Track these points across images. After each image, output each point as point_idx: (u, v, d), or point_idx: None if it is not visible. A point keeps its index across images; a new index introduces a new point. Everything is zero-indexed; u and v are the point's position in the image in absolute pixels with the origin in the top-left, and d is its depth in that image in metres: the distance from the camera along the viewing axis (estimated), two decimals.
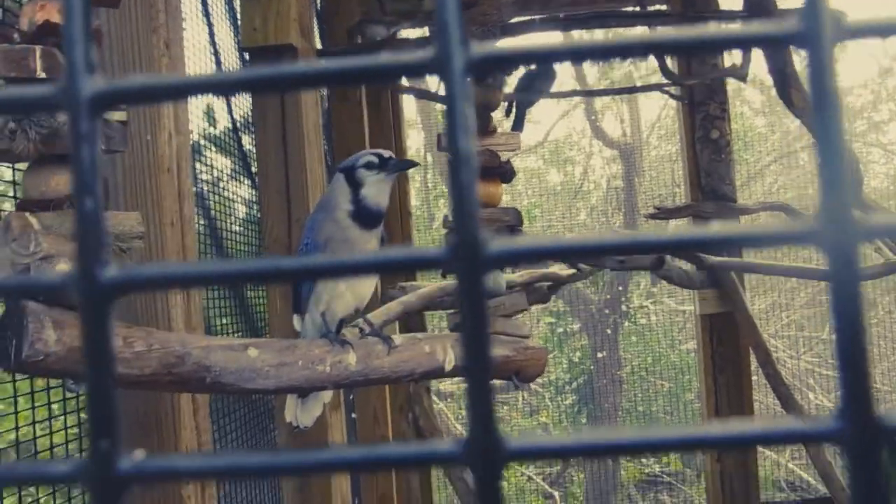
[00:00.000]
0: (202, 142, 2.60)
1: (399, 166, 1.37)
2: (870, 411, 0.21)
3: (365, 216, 1.34)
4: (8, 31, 0.87)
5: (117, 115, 0.95)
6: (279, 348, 1.15)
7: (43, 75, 0.83)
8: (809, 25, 0.23)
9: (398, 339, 1.32)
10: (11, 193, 1.38)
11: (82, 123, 0.24)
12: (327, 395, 1.48)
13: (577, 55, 0.24)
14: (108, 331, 0.24)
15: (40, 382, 1.40)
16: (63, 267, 0.85)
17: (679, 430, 0.24)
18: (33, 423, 1.31)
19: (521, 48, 0.25)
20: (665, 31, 0.25)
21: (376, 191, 1.35)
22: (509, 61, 0.26)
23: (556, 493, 5.92)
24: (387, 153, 1.39)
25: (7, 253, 0.84)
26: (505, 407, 6.58)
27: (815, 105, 0.23)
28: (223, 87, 0.25)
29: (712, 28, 0.26)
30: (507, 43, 1.80)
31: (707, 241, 0.24)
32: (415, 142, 6.99)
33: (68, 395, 1.43)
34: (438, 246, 0.24)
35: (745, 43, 0.24)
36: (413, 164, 1.42)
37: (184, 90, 0.25)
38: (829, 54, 0.23)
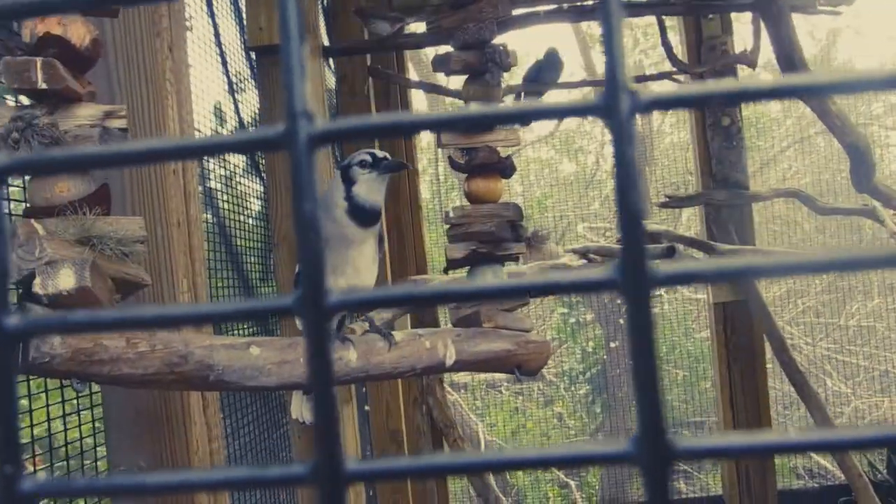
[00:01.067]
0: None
1: (390, 167, 1.38)
2: (662, 435, 0.23)
3: (359, 214, 1.36)
4: (10, 43, 0.90)
5: (117, 123, 0.97)
6: (281, 346, 1.17)
7: (44, 86, 0.85)
8: (609, 99, 0.24)
9: (398, 335, 1.34)
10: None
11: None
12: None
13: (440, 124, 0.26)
14: (12, 374, 0.26)
15: (44, 382, 1.44)
16: (66, 271, 0.87)
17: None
18: (48, 419, 1.35)
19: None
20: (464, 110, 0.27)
21: (367, 189, 1.36)
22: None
23: (571, 483, 5.94)
24: (381, 153, 1.40)
25: (13, 258, 0.87)
26: (520, 397, 6.60)
27: (617, 168, 0.25)
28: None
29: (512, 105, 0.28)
30: (507, 37, 1.80)
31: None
32: (426, 135, 6.99)
33: (82, 393, 1.47)
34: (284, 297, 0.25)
35: (553, 115, 0.26)
36: (404, 165, 1.43)
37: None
38: (629, 126, 0.24)
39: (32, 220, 0.90)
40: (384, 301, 0.26)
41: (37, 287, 0.86)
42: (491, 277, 1.52)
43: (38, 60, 0.86)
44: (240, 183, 2.74)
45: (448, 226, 1.58)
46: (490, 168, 1.54)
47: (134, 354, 0.95)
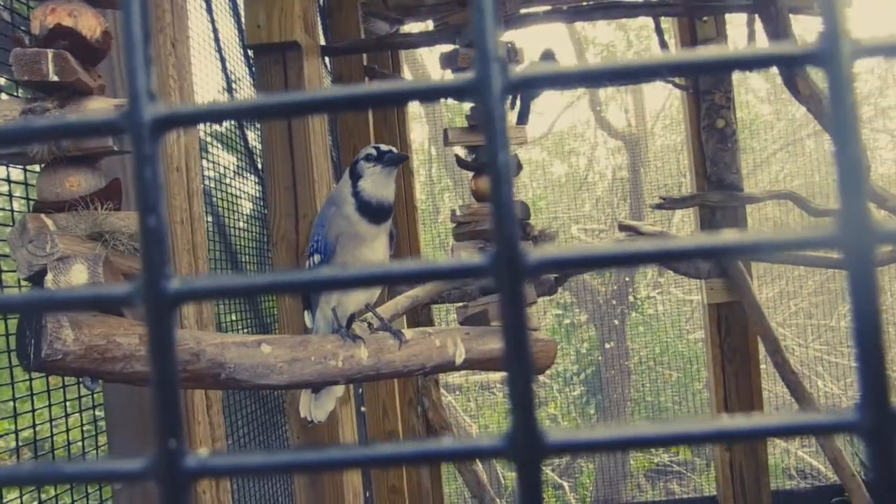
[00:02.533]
0: (207, 139, 2.61)
1: (393, 159, 1.37)
2: (887, 403, 0.22)
3: (367, 209, 1.35)
4: (19, 35, 0.88)
5: None
6: (292, 344, 1.16)
7: (55, 78, 0.84)
8: (828, 46, 0.23)
9: (409, 333, 1.33)
10: (4, 191, 1.39)
11: (145, 146, 0.25)
12: (340, 391, 1.49)
13: (606, 76, 0.25)
14: (172, 338, 0.25)
15: (47, 381, 1.42)
16: (79, 267, 0.86)
17: (699, 423, 0.24)
18: (50, 420, 1.33)
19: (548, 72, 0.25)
20: (681, 54, 0.26)
21: (372, 183, 1.35)
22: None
23: (565, 484, 5.94)
24: (386, 147, 1.39)
25: (24, 254, 0.85)
26: None
27: (834, 117, 0.24)
28: (282, 109, 0.26)
29: (734, 50, 0.27)
30: (512, 35, 1.79)
31: (734, 247, 0.25)
32: (419, 135, 6.98)
33: (83, 392, 1.44)
34: (479, 257, 0.24)
35: (765, 63, 0.25)
36: (403, 156, 1.42)
37: (235, 112, 0.26)
38: (848, 72, 0.23)
39: (43, 215, 0.88)
40: (586, 261, 0.24)
41: (49, 283, 0.84)
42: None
43: (50, 52, 0.84)
44: (230, 185, 2.72)
45: (454, 224, 1.57)
46: None
47: (146, 352, 0.93)
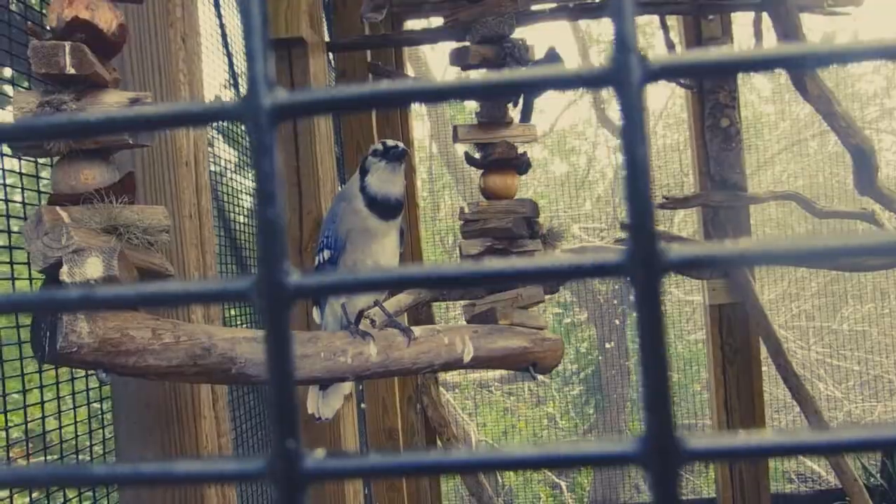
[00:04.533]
0: (212, 133, 2.60)
1: (396, 155, 1.37)
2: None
3: (376, 205, 1.34)
4: (35, 27, 0.87)
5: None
6: (302, 340, 1.16)
7: (72, 71, 0.83)
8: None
9: (418, 330, 1.33)
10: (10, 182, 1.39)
11: (265, 135, 0.24)
12: (348, 388, 1.48)
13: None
14: (290, 334, 0.25)
15: (51, 373, 1.42)
16: (94, 260, 0.85)
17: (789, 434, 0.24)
18: (59, 412, 1.33)
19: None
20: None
21: (378, 179, 1.35)
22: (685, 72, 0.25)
23: (562, 483, 5.95)
24: (392, 143, 1.39)
25: (40, 246, 0.85)
26: (511, 397, 6.60)
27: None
28: (400, 97, 0.25)
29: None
30: (521, 32, 1.79)
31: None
32: (420, 132, 6.98)
33: (91, 384, 1.44)
34: (619, 253, 0.24)
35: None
36: (403, 151, 1.41)
37: (357, 100, 0.25)
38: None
39: (58, 208, 0.88)
40: (727, 259, 0.24)
41: (63, 275, 0.84)
42: None
43: (67, 45, 0.84)
44: (232, 179, 2.72)
45: (462, 221, 1.57)
46: (506, 164, 1.53)
47: (159, 346, 0.93)
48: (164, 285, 0.26)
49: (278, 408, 0.24)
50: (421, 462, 0.24)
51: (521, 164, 1.55)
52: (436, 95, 0.25)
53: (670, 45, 3.20)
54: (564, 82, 0.25)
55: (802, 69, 0.26)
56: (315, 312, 1.50)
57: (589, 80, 0.24)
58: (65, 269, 0.84)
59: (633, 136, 0.23)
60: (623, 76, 0.23)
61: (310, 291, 0.25)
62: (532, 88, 0.25)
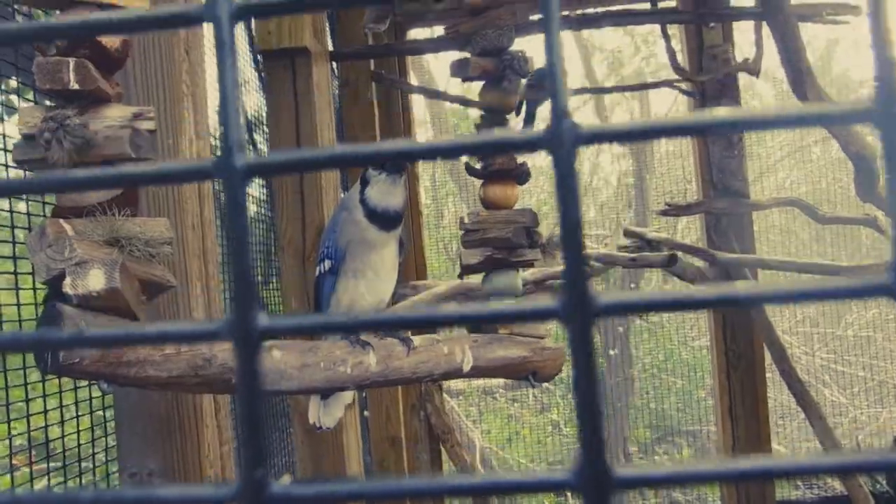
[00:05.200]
0: (215, 142, 2.62)
1: (395, 167, 1.38)
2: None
3: (374, 216, 1.35)
4: (41, 44, 0.89)
5: (146, 125, 0.97)
6: (302, 350, 1.17)
7: (76, 86, 0.85)
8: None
9: (417, 340, 1.34)
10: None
11: (238, 192, 0.26)
12: (348, 397, 1.49)
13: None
14: (261, 373, 0.26)
15: (55, 382, 1.43)
16: (96, 272, 0.87)
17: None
18: (62, 421, 1.34)
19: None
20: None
21: (378, 192, 1.36)
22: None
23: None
24: None
25: (43, 258, 0.86)
26: (516, 404, 6.59)
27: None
28: (365, 157, 0.27)
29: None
30: (520, 44, 1.80)
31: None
32: (423, 140, 7.00)
33: (94, 393, 1.45)
34: (556, 300, 0.25)
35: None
36: (402, 167, 1.42)
37: (324, 162, 0.27)
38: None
39: (61, 221, 0.90)
40: (658, 305, 0.25)
41: (66, 287, 0.85)
42: (506, 283, 1.52)
43: (72, 61, 0.86)
44: None
45: (462, 231, 1.58)
46: (506, 174, 1.54)
47: (160, 357, 0.94)
48: (144, 328, 0.27)
49: (247, 441, 0.25)
50: (381, 488, 0.25)
51: (521, 175, 1.56)
52: (401, 154, 0.27)
53: (672, 54, 3.21)
54: (506, 146, 0.26)
55: (714, 133, 0.27)
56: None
57: (526, 145, 0.25)
58: (68, 280, 0.85)
59: (567, 197, 0.25)
60: (556, 141, 0.25)
61: (278, 332, 0.26)
62: (478, 151, 0.27)
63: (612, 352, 6.07)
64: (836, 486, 4.35)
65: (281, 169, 0.27)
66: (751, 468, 0.24)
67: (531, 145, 0.25)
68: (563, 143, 0.25)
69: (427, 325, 0.28)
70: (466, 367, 1.35)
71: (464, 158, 1.63)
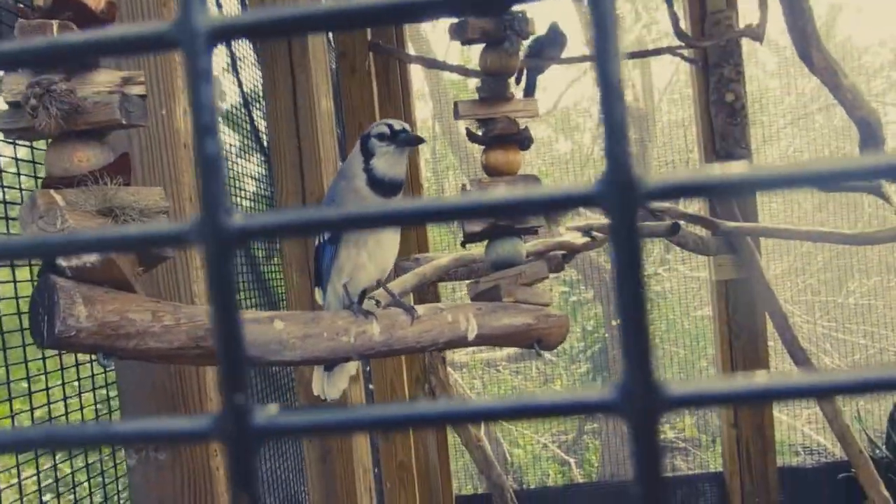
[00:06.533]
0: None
1: (407, 141, 1.35)
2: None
3: (379, 185, 1.33)
4: (23, 7, 0.86)
5: (136, 89, 0.94)
6: (304, 320, 1.15)
7: None
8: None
9: (421, 309, 1.32)
10: (13, 170, 1.38)
11: (201, 59, 0.22)
12: (353, 368, 1.48)
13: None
14: (233, 279, 0.23)
15: (56, 360, 1.42)
16: None
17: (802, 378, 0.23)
18: (64, 398, 1.33)
19: None
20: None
21: (384, 162, 1.33)
22: None
23: (571, 460, 5.98)
24: (400, 125, 1.36)
25: (35, 230, 0.84)
26: (519, 376, 6.62)
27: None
28: (339, 18, 0.24)
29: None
30: (521, 7, 1.75)
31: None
32: (423, 112, 6.93)
33: (96, 370, 1.44)
34: (589, 186, 0.22)
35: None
36: (419, 140, 1.39)
37: (299, 22, 0.23)
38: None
39: (52, 191, 0.87)
40: (701, 187, 0.22)
41: (60, 259, 0.83)
42: (510, 251, 1.50)
43: (55, 24, 0.83)
44: (235, 163, 2.70)
45: None
46: (508, 140, 1.51)
47: (160, 328, 0.92)
48: (103, 231, 0.24)
49: (224, 361, 0.23)
50: (380, 416, 0.23)
51: (523, 140, 1.53)
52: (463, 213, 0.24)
53: (675, 19, 3.15)
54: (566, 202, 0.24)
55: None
56: (317, 293, 1.49)
57: (582, 201, 0.23)
58: None
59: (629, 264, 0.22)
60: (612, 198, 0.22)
61: (254, 233, 0.24)
62: (537, 209, 0.24)
63: (614, 322, 6.07)
64: (836, 451, 4.38)
65: (250, 31, 0.23)
66: (807, 384, 0.22)
67: (586, 201, 0.23)
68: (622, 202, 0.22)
69: (448, 216, 0.25)
70: (471, 336, 1.34)
71: (463, 123, 1.60)
